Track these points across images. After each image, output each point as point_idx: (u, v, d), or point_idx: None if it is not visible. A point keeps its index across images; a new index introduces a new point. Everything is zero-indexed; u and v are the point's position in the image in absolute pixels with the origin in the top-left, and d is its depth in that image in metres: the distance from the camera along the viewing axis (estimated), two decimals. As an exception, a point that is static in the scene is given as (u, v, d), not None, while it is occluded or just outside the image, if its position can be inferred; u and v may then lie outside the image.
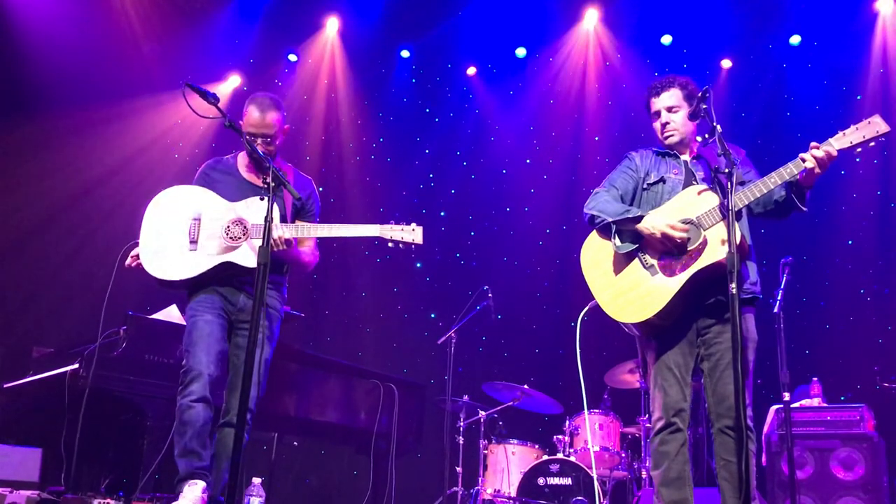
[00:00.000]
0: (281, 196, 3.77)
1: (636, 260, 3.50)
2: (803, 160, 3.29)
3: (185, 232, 3.73)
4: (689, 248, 3.37)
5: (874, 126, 3.27)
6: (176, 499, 3.46)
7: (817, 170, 3.28)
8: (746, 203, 3.33)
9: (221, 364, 3.67)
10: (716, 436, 3.40)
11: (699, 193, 3.47)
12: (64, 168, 7.49)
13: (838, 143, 3.31)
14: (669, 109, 3.66)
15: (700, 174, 3.63)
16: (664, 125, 3.67)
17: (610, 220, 3.53)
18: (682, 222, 3.40)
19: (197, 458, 3.51)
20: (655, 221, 3.42)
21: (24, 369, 4.94)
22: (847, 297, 7.21)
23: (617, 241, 3.53)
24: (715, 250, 3.31)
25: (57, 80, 7.21)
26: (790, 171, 3.31)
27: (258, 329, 3.04)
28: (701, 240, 3.37)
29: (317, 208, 4.05)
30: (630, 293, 3.46)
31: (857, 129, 3.30)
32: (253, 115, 3.79)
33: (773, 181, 3.32)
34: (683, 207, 3.46)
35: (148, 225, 3.77)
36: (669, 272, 3.41)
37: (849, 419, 5.40)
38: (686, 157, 3.71)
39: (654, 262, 3.46)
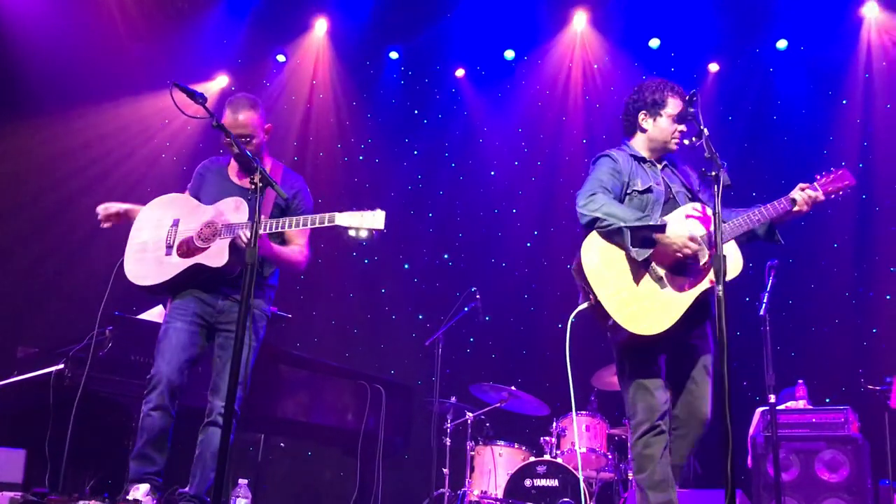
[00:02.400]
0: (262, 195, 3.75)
1: (645, 269, 3.41)
2: (794, 201, 3.47)
3: (163, 239, 3.79)
4: (702, 263, 3.39)
5: (843, 178, 3.54)
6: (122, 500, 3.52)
7: (804, 210, 3.50)
8: (732, 237, 3.42)
9: (186, 371, 3.70)
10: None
11: (687, 217, 3.50)
12: (46, 168, 7.45)
13: (822, 188, 3.52)
14: None
15: (674, 186, 3.63)
16: (681, 133, 3.62)
17: (625, 225, 3.38)
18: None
19: (149, 462, 3.59)
20: (680, 232, 3.38)
21: (8, 369, 4.90)
22: (832, 300, 7.25)
23: (635, 248, 3.38)
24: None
25: (44, 81, 7.16)
26: (778, 208, 3.47)
27: (244, 330, 3.02)
28: (707, 257, 3.39)
29: (305, 206, 4.01)
30: (642, 303, 3.37)
31: (830, 178, 3.54)
32: (227, 116, 3.82)
33: (762, 217, 3.44)
34: (685, 222, 3.48)
35: (133, 233, 3.87)
36: (678, 286, 3.39)
37: (834, 421, 5.43)
38: (660, 165, 3.70)
39: (663, 273, 3.41)
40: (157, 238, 3.80)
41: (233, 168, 3.97)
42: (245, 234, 3.55)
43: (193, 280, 3.73)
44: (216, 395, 3.67)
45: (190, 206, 3.84)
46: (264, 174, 3.24)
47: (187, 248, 3.73)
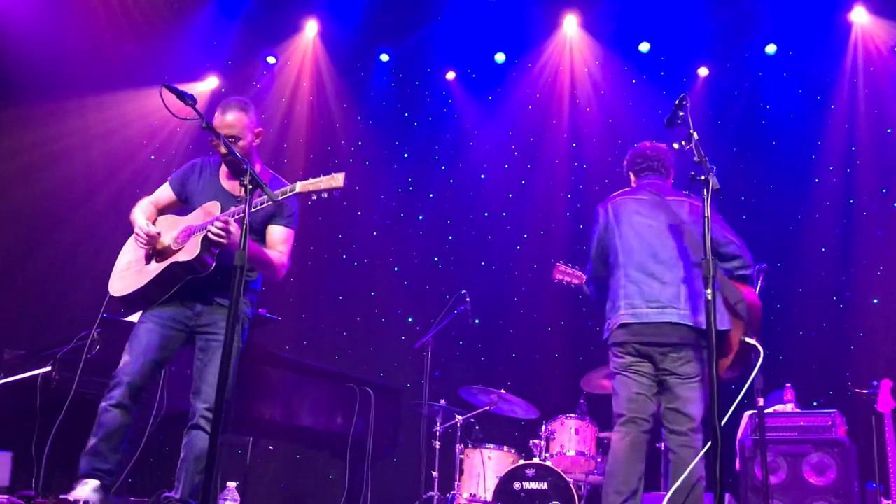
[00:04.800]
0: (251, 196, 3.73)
1: None
2: None
3: (143, 254, 3.82)
4: None
5: None
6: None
7: None
8: None
9: (151, 373, 3.71)
10: None
11: None
12: (36, 169, 7.40)
13: None
14: None
15: None
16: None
17: None
18: None
19: (101, 459, 3.56)
20: None
21: (-6, 371, 4.86)
22: (820, 304, 7.28)
23: None
24: None
25: (32, 81, 7.13)
26: None
27: (233, 333, 3.01)
28: None
29: (292, 211, 3.95)
30: None
31: None
32: (216, 117, 3.81)
33: None
34: None
35: (118, 260, 3.92)
36: None
37: (821, 425, 5.45)
38: None
39: None
40: (138, 256, 3.85)
41: (223, 171, 3.94)
42: (215, 227, 3.53)
43: (172, 286, 3.69)
44: (198, 397, 3.66)
45: (170, 221, 3.87)
46: (253, 174, 3.23)
47: (164, 256, 3.74)
